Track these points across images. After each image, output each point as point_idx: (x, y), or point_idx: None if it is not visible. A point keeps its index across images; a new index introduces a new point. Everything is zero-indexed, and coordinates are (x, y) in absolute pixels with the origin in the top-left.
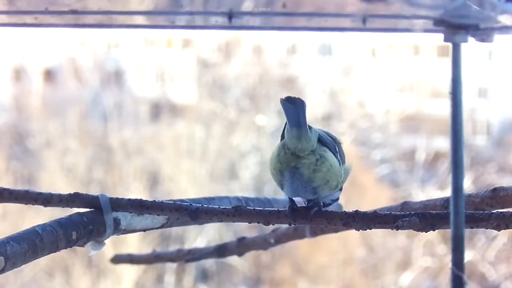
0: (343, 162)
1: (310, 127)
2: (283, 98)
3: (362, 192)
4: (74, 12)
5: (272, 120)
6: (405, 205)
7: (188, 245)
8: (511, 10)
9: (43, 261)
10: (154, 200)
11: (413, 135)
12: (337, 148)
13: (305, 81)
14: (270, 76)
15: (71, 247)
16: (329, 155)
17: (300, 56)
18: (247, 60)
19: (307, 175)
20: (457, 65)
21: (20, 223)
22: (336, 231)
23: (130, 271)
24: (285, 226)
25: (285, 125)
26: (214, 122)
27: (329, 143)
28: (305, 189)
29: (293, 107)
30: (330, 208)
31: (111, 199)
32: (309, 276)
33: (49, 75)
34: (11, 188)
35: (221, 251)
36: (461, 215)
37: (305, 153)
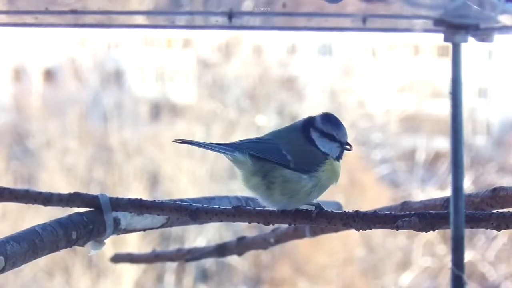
0: (307, 169)
1: (234, 149)
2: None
3: (362, 192)
4: (74, 12)
5: (272, 120)
6: (405, 205)
7: (188, 245)
8: (511, 10)
9: (43, 261)
10: (154, 200)
11: (413, 135)
12: (289, 156)
13: (305, 81)
14: (270, 76)
15: (71, 247)
16: (277, 173)
17: (300, 56)
18: (247, 60)
19: (265, 195)
20: (457, 65)
21: (20, 223)
22: (336, 231)
23: (130, 271)
24: (285, 225)
25: None
26: (214, 122)
27: (270, 155)
28: (275, 205)
29: (198, 145)
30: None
31: (111, 199)
32: (309, 276)
33: (49, 75)
34: (11, 187)
35: (221, 250)
36: (461, 215)
37: (247, 173)
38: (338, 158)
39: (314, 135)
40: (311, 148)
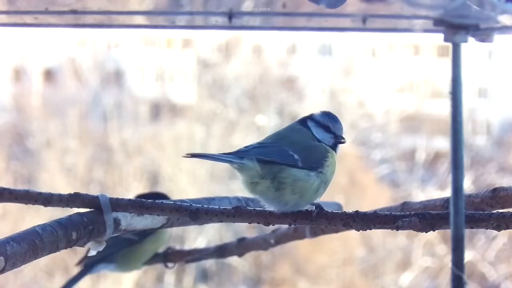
0: (314, 165)
1: (242, 156)
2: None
3: (362, 192)
4: (74, 12)
5: (272, 120)
6: (405, 205)
7: (188, 245)
8: (511, 10)
9: (43, 261)
10: (154, 200)
11: (413, 135)
12: (295, 156)
13: (305, 81)
14: (270, 76)
15: (71, 247)
16: (286, 173)
17: (300, 56)
18: (247, 60)
19: (272, 197)
20: (457, 65)
21: (20, 223)
22: (336, 231)
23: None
24: (285, 226)
25: None
26: (214, 122)
27: (277, 157)
28: (283, 207)
29: (207, 158)
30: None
31: (111, 199)
32: (309, 276)
33: (49, 75)
34: (11, 188)
35: (221, 251)
36: (461, 215)
37: (256, 179)
38: (333, 148)
39: (310, 123)
40: (314, 143)
